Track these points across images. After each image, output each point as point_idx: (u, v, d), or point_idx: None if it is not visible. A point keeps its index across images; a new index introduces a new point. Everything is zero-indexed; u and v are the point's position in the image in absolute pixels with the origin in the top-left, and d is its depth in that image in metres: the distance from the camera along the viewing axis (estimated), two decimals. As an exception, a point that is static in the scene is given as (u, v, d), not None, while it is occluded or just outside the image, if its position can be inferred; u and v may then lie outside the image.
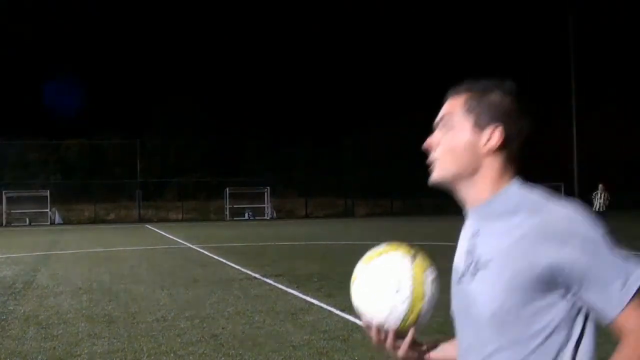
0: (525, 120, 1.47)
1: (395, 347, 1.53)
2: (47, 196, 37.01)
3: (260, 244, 18.47)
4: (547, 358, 1.27)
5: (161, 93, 58.06)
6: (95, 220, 37.81)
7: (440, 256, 11.01)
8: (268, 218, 39.26)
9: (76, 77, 57.37)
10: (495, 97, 1.44)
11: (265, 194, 40.26)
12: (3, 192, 36.64)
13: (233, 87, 62.82)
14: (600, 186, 20.35)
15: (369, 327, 1.54)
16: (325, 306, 7.89)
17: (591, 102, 50.13)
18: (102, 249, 17.23)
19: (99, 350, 5.88)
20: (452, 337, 1.56)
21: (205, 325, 6.90)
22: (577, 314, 1.27)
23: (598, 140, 49.98)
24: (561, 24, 47.26)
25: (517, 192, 1.37)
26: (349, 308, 7.71)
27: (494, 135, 1.39)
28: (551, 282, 1.25)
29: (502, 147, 1.39)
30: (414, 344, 1.57)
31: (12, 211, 36.53)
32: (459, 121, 1.42)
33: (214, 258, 14.25)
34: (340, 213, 41.48)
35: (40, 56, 59.15)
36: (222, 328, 6.73)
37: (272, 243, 18.66)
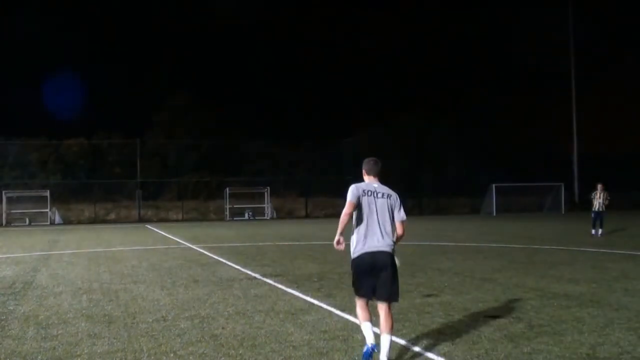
0: (371, 167, 5.56)
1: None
2: (47, 196, 37.00)
3: (260, 244, 18.47)
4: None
5: (161, 93, 58.07)
6: (95, 220, 37.80)
7: (440, 255, 11.02)
8: (268, 218, 39.25)
9: (76, 77, 57.38)
10: (365, 162, 5.70)
11: (265, 194, 40.25)
12: (3, 192, 36.62)
13: (233, 88, 62.79)
14: (599, 186, 20.33)
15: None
16: (325, 306, 7.90)
17: (591, 103, 50.12)
18: (102, 249, 17.23)
19: (99, 350, 5.88)
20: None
21: (205, 325, 6.90)
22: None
23: (598, 140, 49.95)
24: (561, 23, 47.21)
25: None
26: (349, 308, 7.71)
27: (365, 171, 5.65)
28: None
29: (366, 174, 5.58)
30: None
31: (12, 211, 36.52)
32: None
33: (214, 258, 14.25)
34: (340, 213, 41.24)
35: (40, 56, 59.14)
36: (222, 328, 6.73)
37: (272, 243, 18.66)
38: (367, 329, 5.34)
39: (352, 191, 5.41)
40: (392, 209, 5.43)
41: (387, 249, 5.28)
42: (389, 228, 5.36)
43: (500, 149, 50.41)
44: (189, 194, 45.29)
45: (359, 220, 5.35)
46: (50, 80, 56.83)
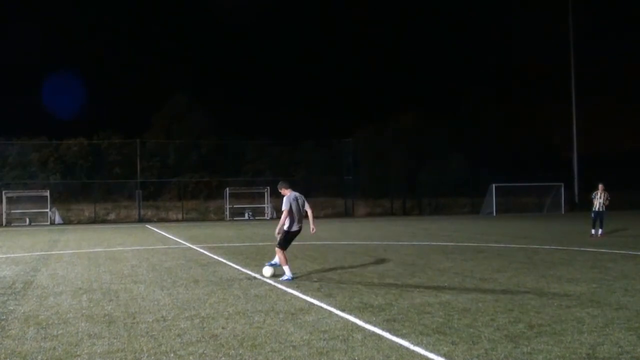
0: (288, 185, 10.78)
1: None
2: (47, 196, 36.98)
3: (260, 244, 18.47)
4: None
5: (161, 93, 58.09)
6: (95, 220, 37.79)
7: (440, 255, 11.01)
8: (268, 218, 39.23)
9: (76, 78, 57.39)
10: (284, 182, 10.90)
11: (265, 194, 40.24)
12: (3, 192, 36.60)
13: (233, 88, 62.73)
14: (599, 186, 20.34)
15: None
16: (325, 306, 7.90)
17: (591, 103, 50.11)
18: (102, 249, 17.23)
19: (99, 350, 5.88)
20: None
21: (205, 325, 6.90)
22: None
23: (598, 140, 49.95)
24: (561, 23, 47.16)
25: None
26: (349, 308, 7.71)
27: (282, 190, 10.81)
28: None
29: (285, 189, 10.67)
30: None
31: (12, 211, 36.50)
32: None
33: (214, 258, 14.25)
34: (340, 213, 41.45)
35: (40, 56, 59.12)
36: (222, 328, 6.73)
37: (272, 243, 18.61)
38: (287, 270, 10.26)
39: (287, 202, 10.28)
40: (303, 205, 10.54)
41: (301, 226, 10.49)
42: (302, 216, 10.50)
43: (500, 149, 50.38)
44: (189, 194, 45.28)
45: (292, 214, 10.30)
46: (50, 80, 56.83)
